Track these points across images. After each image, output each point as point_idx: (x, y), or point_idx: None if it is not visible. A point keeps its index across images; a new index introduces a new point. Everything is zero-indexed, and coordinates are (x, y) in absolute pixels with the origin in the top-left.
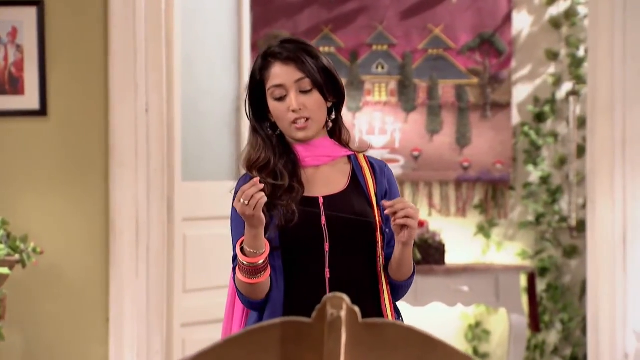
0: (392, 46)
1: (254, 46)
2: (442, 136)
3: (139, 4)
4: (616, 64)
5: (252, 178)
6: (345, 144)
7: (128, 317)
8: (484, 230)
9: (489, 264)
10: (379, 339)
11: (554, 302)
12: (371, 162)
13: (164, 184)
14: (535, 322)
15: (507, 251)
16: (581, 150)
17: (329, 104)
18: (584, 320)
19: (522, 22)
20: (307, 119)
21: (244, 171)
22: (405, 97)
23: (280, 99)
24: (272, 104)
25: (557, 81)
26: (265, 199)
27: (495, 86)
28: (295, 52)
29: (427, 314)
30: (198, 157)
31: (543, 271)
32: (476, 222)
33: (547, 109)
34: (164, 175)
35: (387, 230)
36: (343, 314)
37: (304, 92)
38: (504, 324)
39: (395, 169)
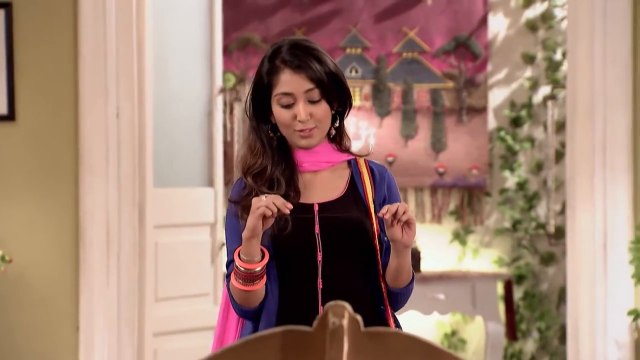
0: (366, 49)
1: (225, 50)
2: (417, 141)
3: (109, 7)
4: (596, 67)
5: (246, 184)
6: (345, 150)
7: (98, 326)
8: (459, 237)
9: (465, 271)
10: (382, 348)
11: (530, 310)
12: (371, 167)
13: (135, 190)
14: (512, 331)
15: (484, 258)
16: (558, 156)
17: (333, 111)
18: (561, 328)
19: (498, 25)
20: (313, 128)
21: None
22: (379, 101)
23: (287, 106)
24: (278, 110)
25: (534, 85)
26: (272, 219)
27: (471, 90)
28: (305, 59)
29: (403, 322)
30: (170, 163)
31: (520, 279)
32: (452, 228)
33: (523, 113)
34: (135, 181)
35: (385, 238)
36: (345, 322)
37: (313, 102)
38: (481, 332)
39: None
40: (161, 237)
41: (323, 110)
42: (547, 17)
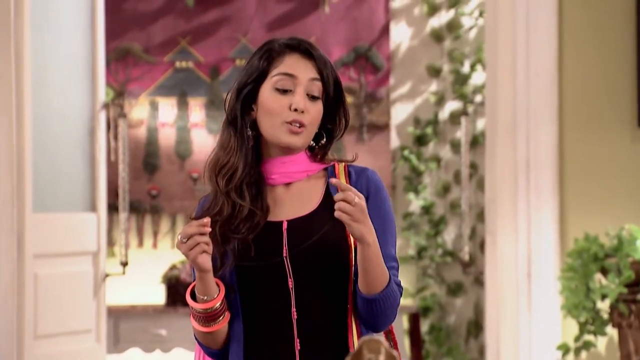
0: None
1: None
2: None
3: None
4: (518, 80)
5: (214, 194)
6: (322, 157)
7: None
8: None
9: None
10: None
11: (437, 345)
12: (349, 172)
13: (13, 216)
14: None
15: None
16: (460, 177)
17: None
18: None
19: (400, 35)
20: (303, 126)
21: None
22: None
23: (284, 91)
24: (271, 96)
25: (440, 100)
26: (209, 248)
27: (372, 106)
28: (315, 49)
29: None
30: (51, 186)
31: (425, 311)
32: None
33: (429, 130)
34: (12, 206)
35: None
36: (382, 358)
37: (311, 97)
38: None
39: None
40: (41, 268)
41: (318, 110)
42: (453, 27)
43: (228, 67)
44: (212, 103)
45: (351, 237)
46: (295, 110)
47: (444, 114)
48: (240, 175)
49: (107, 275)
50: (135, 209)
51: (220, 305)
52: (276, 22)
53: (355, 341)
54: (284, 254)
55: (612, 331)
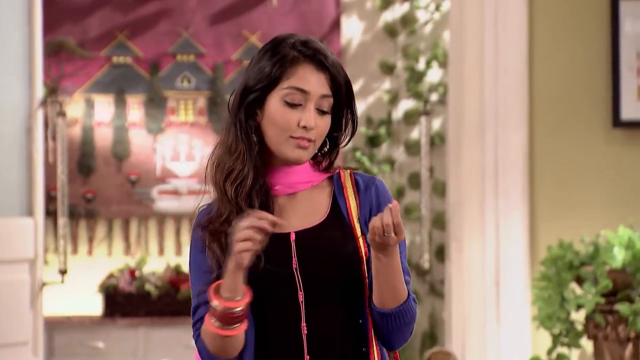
0: (200, 56)
1: None
2: None
3: None
4: (486, 78)
5: (218, 204)
6: (326, 167)
7: None
8: None
9: None
10: None
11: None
12: (356, 180)
13: None
14: None
15: None
16: (415, 180)
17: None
18: None
19: (352, 29)
20: (311, 142)
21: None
22: (216, 116)
23: (294, 105)
24: (280, 109)
25: (394, 99)
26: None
27: None
28: (330, 59)
29: None
30: None
31: None
32: None
33: (382, 131)
34: None
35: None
36: None
37: (321, 112)
38: None
39: (207, 201)
40: None
41: (326, 125)
42: (408, 21)
43: (169, 62)
44: (152, 101)
45: (362, 249)
46: (304, 127)
47: (398, 113)
48: (250, 183)
49: (44, 284)
50: (70, 213)
51: (241, 310)
52: (220, 14)
53: (376, 358)
54: (294, 266)
55: (586, 343)
